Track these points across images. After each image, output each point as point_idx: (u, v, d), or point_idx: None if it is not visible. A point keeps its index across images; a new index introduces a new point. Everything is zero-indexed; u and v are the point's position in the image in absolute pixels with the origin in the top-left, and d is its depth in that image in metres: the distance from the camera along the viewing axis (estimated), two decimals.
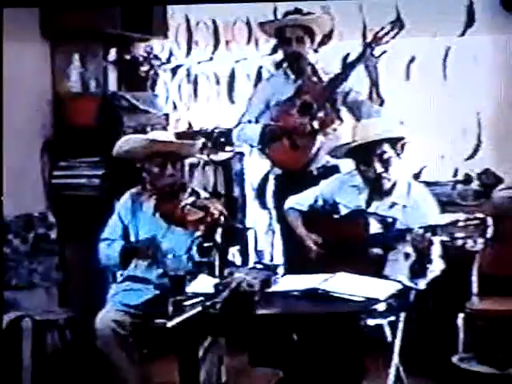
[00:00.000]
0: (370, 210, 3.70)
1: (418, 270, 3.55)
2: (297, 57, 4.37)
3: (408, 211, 3.65)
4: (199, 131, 4.93)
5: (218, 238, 3.68)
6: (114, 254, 3.84)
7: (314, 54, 4.42)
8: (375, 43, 4.20)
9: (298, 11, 4.40)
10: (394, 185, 3.70)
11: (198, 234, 3.69)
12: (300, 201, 3.90)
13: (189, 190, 3.93)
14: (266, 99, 4.46)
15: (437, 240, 3.46)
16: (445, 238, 3.43)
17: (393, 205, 3.68)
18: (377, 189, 3.71)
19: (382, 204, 3.69)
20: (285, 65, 4.51)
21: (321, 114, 4.27)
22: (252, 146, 4.61)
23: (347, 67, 4.37)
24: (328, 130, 4.27)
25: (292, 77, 4.43)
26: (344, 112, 4.32)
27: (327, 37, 4.63)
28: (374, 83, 4.27)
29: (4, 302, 3.74)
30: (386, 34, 4.18)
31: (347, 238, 3.65)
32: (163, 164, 3.83)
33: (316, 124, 4.27)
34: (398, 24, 4.20)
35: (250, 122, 4.46)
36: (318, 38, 4.41)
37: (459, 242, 3.36)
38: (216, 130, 4.92)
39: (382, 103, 4.30)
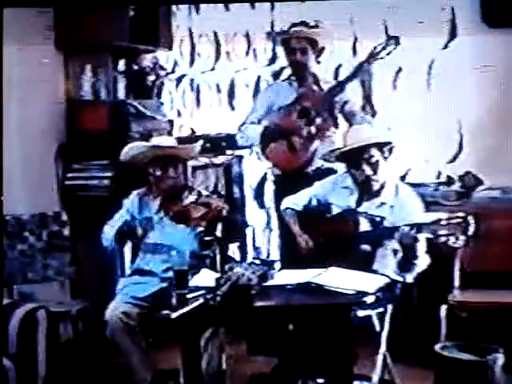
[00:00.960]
0: (360, 209, 3.71)
1: (405, 265, 3.57)
2: (300, 66, 4.37)
3: (395, 210, 3.65)
4: (201, 136, 4.94)
5: (219, 233, 3.71)
6: (110, 234, 3.88)
7: (317, 65, 4.41)
8: (372, 58, 4.19)
9: (303, 23, 4.40)
10: (382, 186, 3.71)
11: (200, 229, 3.72)
12: (296, 201, 3.90)
13: (191, 190, 3.96)
14: (269, 104, 4.45)
15: (422, 237, 3.49)
16: (429, 236, 3.45)
17: (381, 205, 3.69)
18: (366, 190, 3.72)
19: (372, 204, 3.70)
20: (289, 73, 4.50)
21: (318, 120, 4.28)
22: (253, 146, 4.61)
23: (344, 79, 4.33)
24: (324, 135, 4.28)
25: (295, 85, 4.43)
26: (341, 120, 4.31)
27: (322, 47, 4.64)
28: (368, 95, 4.27)
29: (3, 295, 3.75)
30: (383, 49, 4.16)
31: (339, 235, 3.66)
32: (165, 167, 3.87)
33: (313, 129, 4.28)
34: (394, 40, 4.18)
35: (252, 123, 4.46)
36: (320, 49, 4.40)
37: (442, 239, 3.38)
38: (217, 135, 4.93)
39: (374, 114, 4.30)
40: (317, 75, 4.41)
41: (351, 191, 3.76)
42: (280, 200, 4.04)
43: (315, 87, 4.39)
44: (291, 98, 4.38)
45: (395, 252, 3.59)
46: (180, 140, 4.27)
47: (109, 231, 3.91)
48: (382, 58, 4.18)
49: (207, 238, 3.64)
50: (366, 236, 3.62)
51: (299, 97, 4.36)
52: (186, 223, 3.75)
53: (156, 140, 4.08)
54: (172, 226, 3.83)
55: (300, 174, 4.29)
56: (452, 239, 3.35)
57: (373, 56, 4.19)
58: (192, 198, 3.82)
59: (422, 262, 3.58)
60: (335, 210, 3.78)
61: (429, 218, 3.52)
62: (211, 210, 3.65)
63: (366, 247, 3.60)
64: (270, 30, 4.71)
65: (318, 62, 4.41)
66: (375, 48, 4.18)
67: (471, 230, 3.33)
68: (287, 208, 3.92)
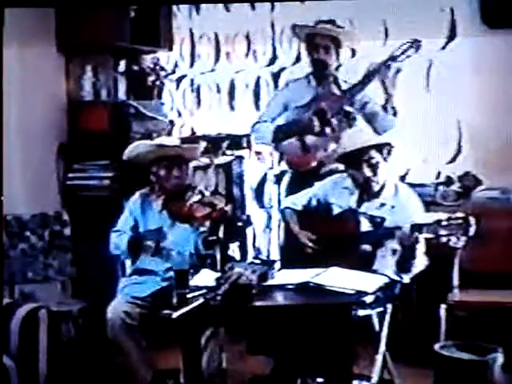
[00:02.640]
0: (361, 210, 3.70)
1: (403, 265, 3.56)
2: (321, 64, 4.29)
3: (395, 211, 3.64)
4: (202, 136, 4.94)
5: (221, 233, 3.70)
6: (122, 244, 3.86)
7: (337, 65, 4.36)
8: (391, 60, 4.11)
9: (331, 21, 4.35)
10: (382, 187, 3.70)
11: (203, 229, 3.71)
12: (295, 201, 3.89)
13: (194, 189, 3.96)
14: (284, 102, 4.38)
15: (422, 238, 3.48)
16: (430, 236, 3.44)
17: (381, 205, 3.68)
18: (366, 191, 3.71)
19: (372, 205, 3.69)
20: (309, 71, 4.41)
21: (334, 121, 4.23)
22: (266, 144, 4.58)
23: (363, 80, 4.24)
24: (340, 136, 4.24)
25: (313, 83, 4.36)
26: (360, 121, 4.23)
27: (353, 50, 4.61)
28: (389, 96, 4.21)
29: (3, 294, 3.75)
30: (403, 52, 4.11)
31: (339, 235, 3.65)
32: (169, 167, 3.86)
33: (328, 130, 4.24)
34: (415, 44, 4.13)
35: (266, 121, 4.41)
36: (343, 50, 4.34)
37: (443, 240, 3.38)
38: (217, 135, 4.93)
39: (395, 114, 4.24)
40: (336, 75, 4.35)
41: (351, 192, 3.75)
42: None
43: (334, 87, 4.34)
44: (308, 97, 4.32)
45: (394, 252, 3.58)
46: (183, 140, 4.26)
47: (118, 241, 3.89)
48: (402, 61, 4.14)
49: (211, 238, 3.64)
50: (367, 236, 3.61)
51: (316, 97, 4.30)
52: (190, 223, 3.75)
53: (161, 140, 4.07)
54: (175, 225, 3.83)
55: (313, 175, 4.24)
56: (453, 239, 3.34)
57: (393, 58, 4.15)
58: (195, 197, 3.82)
59: (420, 262, 3.57)
60: (335, 210, 3.77)
61: (429, 218, 3.51)
62: (215, 209, 3.65)
63: (366, 247, 3.59)
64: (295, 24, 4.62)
65: (340, 64, 4.36)
66: (395, 50, 4.14)
67: (472, 230, 3.32)
68: (286, 208, 3.91)
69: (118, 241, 3.89)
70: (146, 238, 3.85)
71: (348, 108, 4.24)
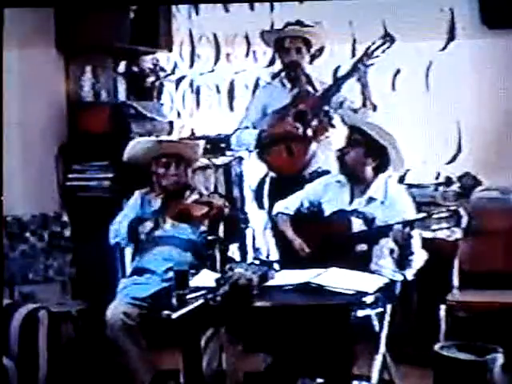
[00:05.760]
0: (352, 206, 3.70)
1: (403, 263, 3.56)
2: (295, 66, 4.31)
3: (386, 208, 3.64)
4: (201, 137, 4.94)
5: (221, 233, 3.71)
6: (122, 228, 3.86)
7: (310, 65, 4.38)
8: (366, 57, 4.16)
9: (298, 23, 4.36)
10: (371, 178, 3.68)
11: (203, 228, 3.71)
12: (287, 205, 3.88)
13: (193, 189, 3.96)
14: (262, 107, 4.39)
15: (415, 233, 3.47)
16: (422, 232, 3.45)
17: (371, 200, 3.67)
18: (355, 180, 3.69)
19: (362, 199, 3.69)
20: (282, 74, 4.45)
21: (315, 123, 4.25)
22: (249, 151, 4.59)
23: (340, 79, 4.29)
24: (321, 137, 4.26)
25: (288, 86, 4.38)
26: (337, 120, 4.26)
27: (321, 49, 4.62)
28: (366, 92, 4.23)
29: (3, 295, 3.75)
30: (377, 48, 4.15)
31: (333, 237, 3.64)
32: (168, 164, 3.87)
33: (310, 132, 4.25)
34: (388, 39, 4.16)
35: (247, 127, 4.42)
36: (313, 50, 4.37)
37: (437, 234, 3.38)
38: (217, 136, 4.93)
39: (375, 109, 4.25)
40: (310, 76, 4.36)
41: (343, 185, 3.75)
42: (274, 203, 4.00)
43: (309, 88, 4.35)
44: (285, 100, 4.33)
45: (391, 251, 3.58)
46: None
47: (118, 228, 3.89)
48: (377, 57, 4.15)
49: (210, 237, 3.64)
50: (360, 236, 3.61)
51: (294, 99, 4.31)
52: (188, 222, 3.75)
53: (161, 138, 4.09)
54: (174, 225, 3.83)
55: (297, 178, 4.24)
56: (446, 232, 3.34)
57: (367, 55, 4.16)
58: (194, 197, 3.82)
59: (419, 257, 3.57)
60: (328, 211, 3.76)
61: (420, 214, 3.52)
62: (213, 208, 3.65)
63: (361, 247, 3.59)
64: (264, 30, 4.64)
65: (311, 63, 4.37)
66: (369, 47, 4.16)
67: (464, 222, 3.32)
68: (279, 213, 3.89)
69: (118, 227, 3.89)
70: (146, 218, 3.83)
71: (326, 108, 4.23)
